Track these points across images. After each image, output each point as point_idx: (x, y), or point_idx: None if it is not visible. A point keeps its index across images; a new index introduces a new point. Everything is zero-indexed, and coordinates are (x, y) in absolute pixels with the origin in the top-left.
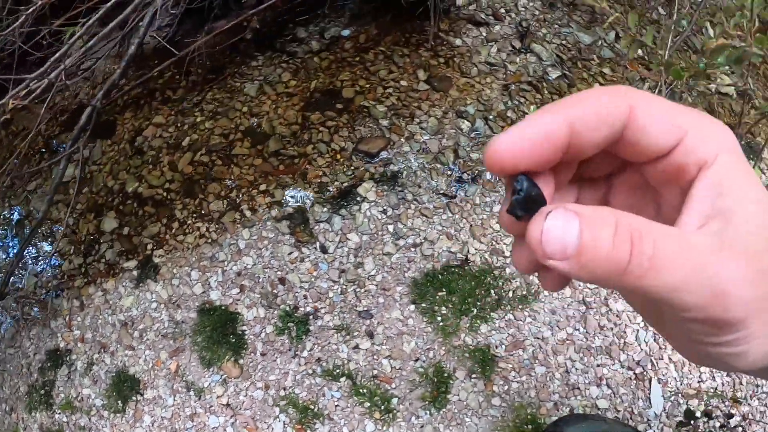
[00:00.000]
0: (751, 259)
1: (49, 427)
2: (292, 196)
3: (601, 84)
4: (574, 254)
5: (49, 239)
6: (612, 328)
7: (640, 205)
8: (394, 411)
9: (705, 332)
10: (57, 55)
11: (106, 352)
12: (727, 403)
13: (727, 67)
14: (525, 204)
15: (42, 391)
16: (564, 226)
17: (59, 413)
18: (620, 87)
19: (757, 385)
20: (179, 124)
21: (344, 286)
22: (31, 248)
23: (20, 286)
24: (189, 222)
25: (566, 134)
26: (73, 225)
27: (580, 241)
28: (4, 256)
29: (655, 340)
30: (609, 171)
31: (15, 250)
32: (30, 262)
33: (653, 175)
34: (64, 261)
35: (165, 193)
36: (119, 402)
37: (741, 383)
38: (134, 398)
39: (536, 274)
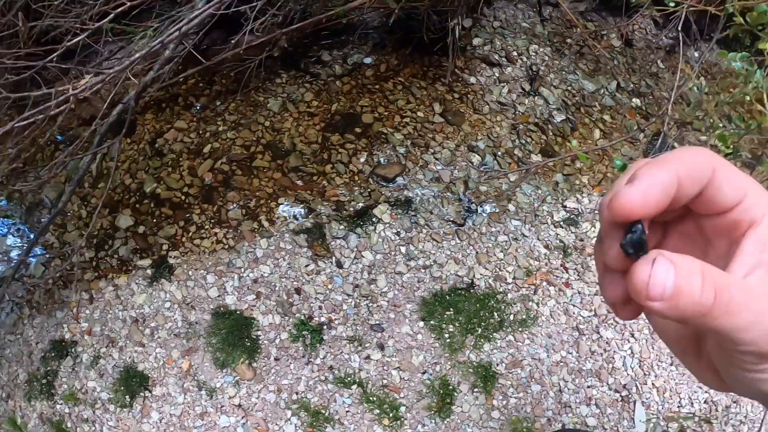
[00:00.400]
0: None
1: (49, 417)
2: (284, 210)
3: (601, 130)
4: (670, 298)
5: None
6: (602, 354)
7: (689, 250)
8: (402, 419)
9: (751, 361)
10: (137, 56)
11: (115, 347)
12: (704, 427)
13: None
14: (637, 245)
15: (44, 381)
16: (665, 273)
17: (61, 404)
18: (704, 149)
19: (729, 409)
20: (201, 131)
21: (358, 300)
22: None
23: (26, 273)
24: (206, 227)
25: (676, 189)
26: (86, 218)
27: (676, 287)
28: (13, 241)
29: (640, 366)
30: (669, 218)
31: (22, 238)
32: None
33: (710, 226)
34: (74, 253)
35: (183, 197)
36: (126, 397)
37: (716, 410)
38: (142, 394)
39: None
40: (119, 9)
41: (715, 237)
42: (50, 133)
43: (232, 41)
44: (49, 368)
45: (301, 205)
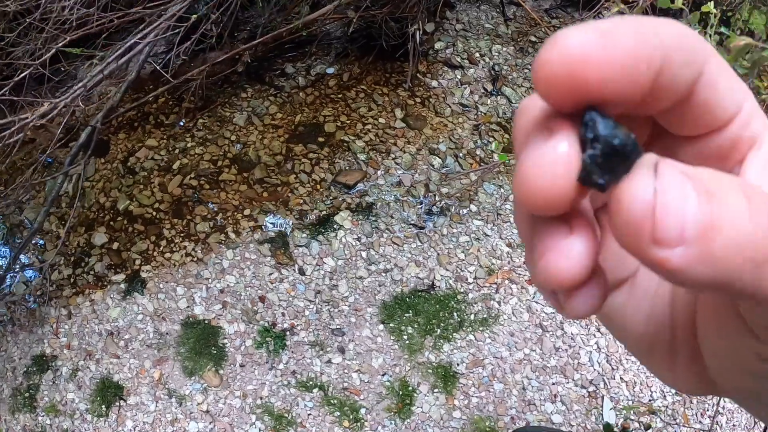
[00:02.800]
0: None
1: (32, 428)
2: (272, 222)
3: None
4: (698, 237)
5: (35, 246)
6: (567, 350)
7: None
8: (362, 420)
9: None
10: (80, 85)
11: (92, 360)
12: (679, 419)
13: None
14: (610, 161)
15: (26, 394)
16: (682, 194)
17: (43, 416)
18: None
19: (706, 402)
20: (170, 148)
21: (319, 306)
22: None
23: (8, 291)
24: (176, 241)
25: (659, 61)
26: (64, 237)
27: (708, 217)
28: None
29: (607, 361)
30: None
31: (2, 258)
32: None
33: (695, 153)
34: (54, 271)
35: (154, 213)
36: (103, 407)
37: (691, 402)
38: (117, 404)
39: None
40: (60, 44)
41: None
42: (30, 156)
43: (188, 58)
44: (31, 382)
45: (288, 217)
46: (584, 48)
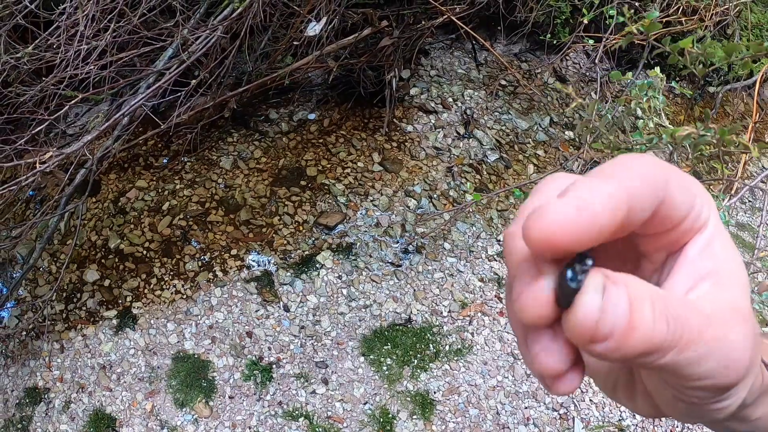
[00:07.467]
0: (747, 322)
1: None
2: (254, 260)
3: (535, 165)
4: (621, 336)
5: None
6: None
7: (614, 266)
8: None
9: (705, 396)
10: (89, 138)
11: (84, 392)
12: None
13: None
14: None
15: (19, 426)
16: (617, 303)
17: None
18: (651, 157)
19: (674, 424)
20: (160, 190)
21: (303, 340)
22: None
23: (1, 325)
24: (166, 279)
25: (626, 210)
26: (56, 273)
27: (630, 321)
28: None
29: None
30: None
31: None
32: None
33: (650, 242)
34: (46, 306)
35: (145, 252)
36: None
37: (660, 420)
38: None
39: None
40: (73, 102)
41: (654, 251)
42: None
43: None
44: (24, 414)
45: (270, 255)
46: (562, 224)
